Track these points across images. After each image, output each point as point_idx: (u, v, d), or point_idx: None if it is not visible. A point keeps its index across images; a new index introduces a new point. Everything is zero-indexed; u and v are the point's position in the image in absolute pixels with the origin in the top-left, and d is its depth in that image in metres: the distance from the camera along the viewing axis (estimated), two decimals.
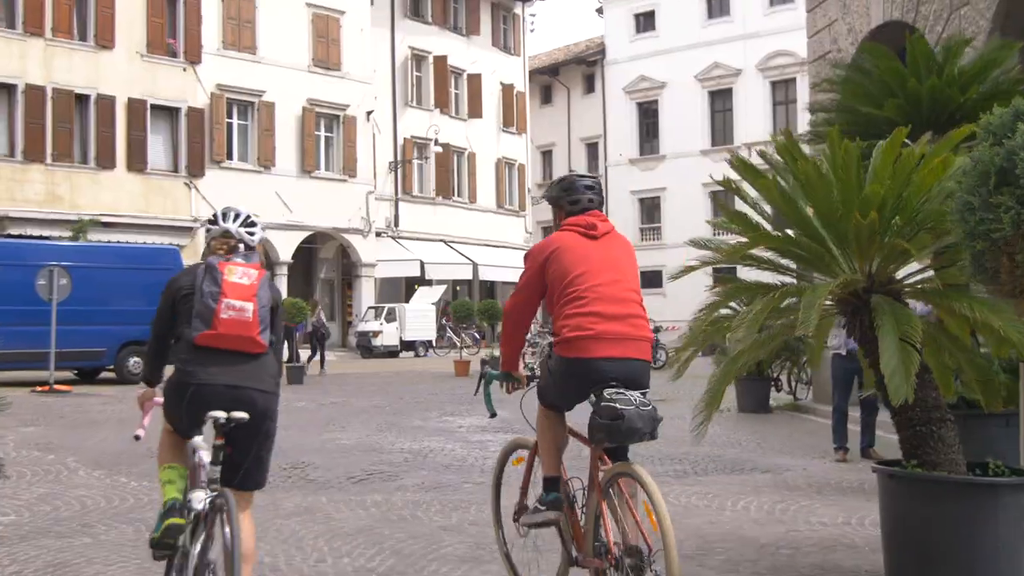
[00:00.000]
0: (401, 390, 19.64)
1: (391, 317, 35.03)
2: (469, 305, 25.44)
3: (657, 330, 27.33)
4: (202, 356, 4.25)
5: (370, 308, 35.62)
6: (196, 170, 31.75)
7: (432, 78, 41.34)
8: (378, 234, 37.86)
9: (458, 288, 41.21)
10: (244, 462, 4.30)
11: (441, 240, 41.04)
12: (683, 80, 51.10)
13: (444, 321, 37.85)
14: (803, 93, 48.32)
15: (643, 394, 4.43)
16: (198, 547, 4.00)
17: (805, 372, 16.43)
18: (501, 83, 45.17)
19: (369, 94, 36.94)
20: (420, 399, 17.60)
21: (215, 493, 4.07)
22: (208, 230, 4.65)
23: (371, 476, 9.37)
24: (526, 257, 4.88)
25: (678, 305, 46.56)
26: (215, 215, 4.65)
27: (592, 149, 55.41)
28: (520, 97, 46.66)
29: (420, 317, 35.07)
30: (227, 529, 3.87)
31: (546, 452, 4.86)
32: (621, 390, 4.38)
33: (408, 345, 35.53)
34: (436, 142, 38.44)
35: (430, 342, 36.16)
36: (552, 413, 4.89)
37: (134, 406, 4.88)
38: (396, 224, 39.55)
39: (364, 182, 36.68)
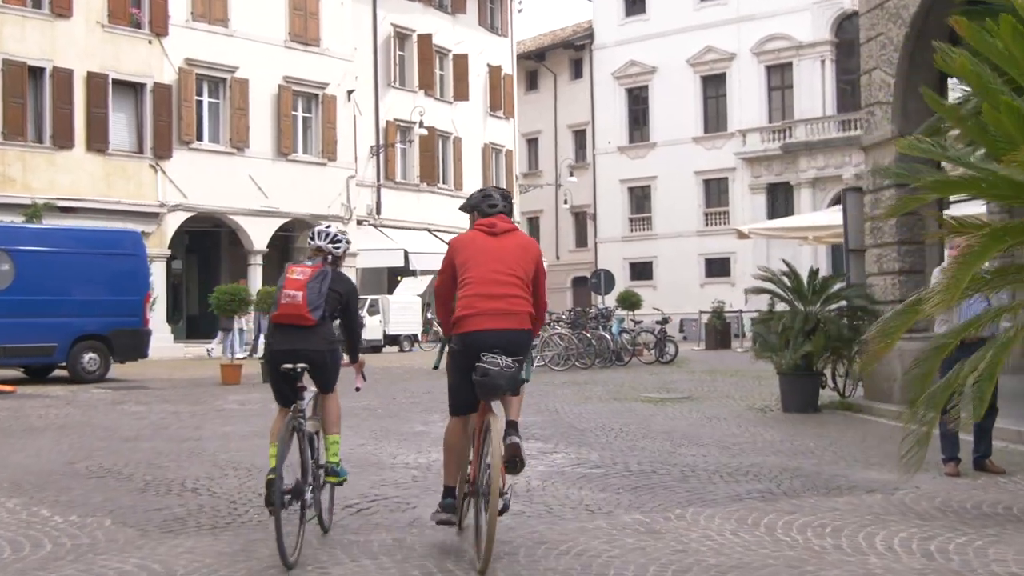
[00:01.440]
0: (392, 388, 17.45)
1: (374, 310, 32.80)
2: None
3: (664, 321, 25.25)
4: (275, 330, 6.04)
5: None
6: (163, 151, 29.38)
7: (416, 58, 39.12)
8: (359, 222, 35.61)
9: None
10: (321, 383, 6.18)
11: (426, 229, 38.85)
12: (674, 65, 49.20)
13: (430, 314, 35.70)
14: (800, 78, 46.51)
15: (515, 359, 5.47)
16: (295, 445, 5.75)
17: (850, 367, 14.30)
18: (488, 65, 42.99)
19: (350, 73, 34.68)
20: (416, 399, 15.44)
21: (298, 415, 5.83)
22: (308, 244, 6.26)
23: (374, 505, 7.21)
24: (448, 246, 5.98)
25: (669, 296, 44.76)
26: (312, 233, 6.26)
27: (579, 137, 53.44)
28: (507, 80, 44.49)
29: (404, 310, 32.89)
30: (309, 426, 5.98)
31: (447, 462, 5.93)
32: (495, 356, 5.41)
33: (392, 339, 33.33)
34: (420, 125, 36.19)
35: (415, 336, 33.98)
36: (457, 423, 5.87)
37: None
38: (378, 211, 37.32)
39: (344, 166, 34.40)
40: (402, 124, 38.25)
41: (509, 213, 6.00)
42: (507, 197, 6.07)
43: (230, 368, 18.80)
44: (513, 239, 5.85)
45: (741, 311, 31.05)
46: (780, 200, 46.13)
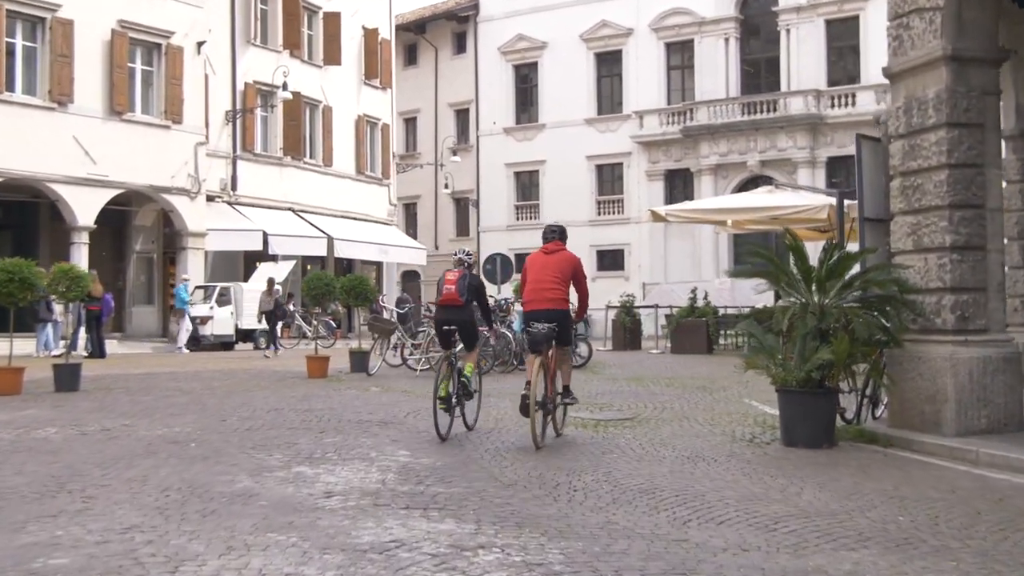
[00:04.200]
0: (226, 403, 12.67)
1: (224, 299, 27.83)
2: (328, 280, 18.47)
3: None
4: (439, 308, 10.04)
5: (198, 288, 28.22)
6: None
7: (281, 13, 34.10)
8: (210, 198, 30.49)
9: (309, 267, 34.12)
10: (466, 341, 9.99)
11: (289, 208, 33.93)
12: (566, 40, 45.34)
13: (292, 305, 30.89)
14: (702, 57, 43.04)
15: (553, 325, 9.30)
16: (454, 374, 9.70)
17: (880, 381, 10.22)
18: (363, 27, 38.23)
19: (201, 23, 29.56)
20: (253, 422, 10.77)
21: (453, 355, 9.77)
22: (453, 257, 10.35)
23: None
24: (525, 261, 10.11)
25: None
26: (456, 251, 10.44)
27: (462, 116, 49.06)
28: (385, 46, 39.76)
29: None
30: (460, 363, 9.83)
31: (529, 374, 9.29)
32: (537, 325, 9.31)
33: (246, 335, 28.39)
34: (284, 87, 31.18)
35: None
36: (533, 357, 9.41)
37: None
38: (234, 187, 32.20)
39: (192, 131, 29.24)
40: (264, 88, 33.23)
41: (563, 238, 9.96)
42: (562, 231, 10.05)
43: (7, 373, 13.86)
44: (558, 256, 9.78)
45: (656, 306, 27.14)
46: (679, 188, 42.73)
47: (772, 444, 9.49)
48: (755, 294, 12.13)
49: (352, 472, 7.65)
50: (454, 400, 9.55)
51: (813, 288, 9.63)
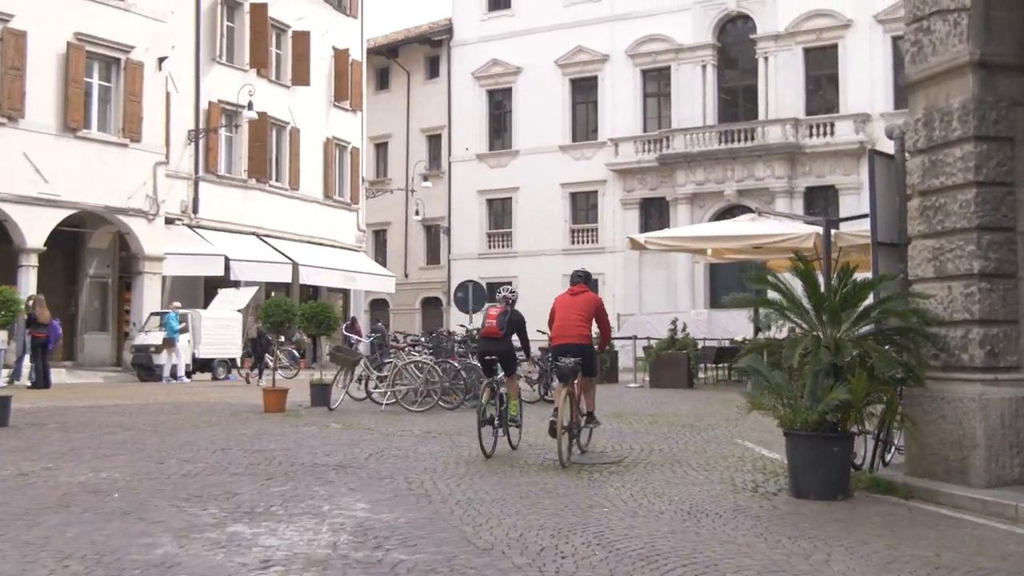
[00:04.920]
0: (167, 442, 11.44)
1: (182, 327, 26.46)
2: (288, 306, 17.25)
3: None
4: (481, 339, 11.61)
5: (153, 315, 26.87)
6: None
7: (247, 31, 32.99)
8: (170, 220, 29.23)
9: (273, 293, 32.82)
10: (506, 369, 11.17)
11: (253, 233, 32.68)
12: (541, 65, 44.45)
13: (255, 331, 29.55)
14: (679, 84, 42.23)
15: (579, 359, 10.44)
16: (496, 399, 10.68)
17: (897, 424, 9.14)
18: (334, 48, 37.15)
19: (163, 38, 28.36)
20: (194, 465, 9.56)
21: (495, 381, 10.85)
22: (498, 296, 11.47)
23: None
24: (554, 301, 11.41)
25: (529, 321, 39.69)
26: (501, 290, 11.60)
27: (434, 142, 47.97)
28: (356, 67, 38.69)
29: (220, 328, 26.54)
30: (503, 390, 10.89)
31: (556, 408, 10.18)
32: (563, 358, 10.44)
33: (204, 364, 27.03)
34: (250, 106, 30.02)
35: (234, 361, 27.66)
36: (560, 387, 10.52)
37: None
38: (195, 209, 30.95)
39: (151, 149, 27.94)
40: (228, 108, 32.08)
41: (588, 282, 11.43)
42: (587, 275, 11.65)
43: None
44: (582, 297, 11.14)
45: (635, 338, 26.06)
46: (654, 217, 41.78)
47: (779, 495, 8.40)
48: (750, 323, 11.28)
49: (298, 532, 6.48)
50: (497, 421, 10.53)
51: (824, 319, 8.58)
